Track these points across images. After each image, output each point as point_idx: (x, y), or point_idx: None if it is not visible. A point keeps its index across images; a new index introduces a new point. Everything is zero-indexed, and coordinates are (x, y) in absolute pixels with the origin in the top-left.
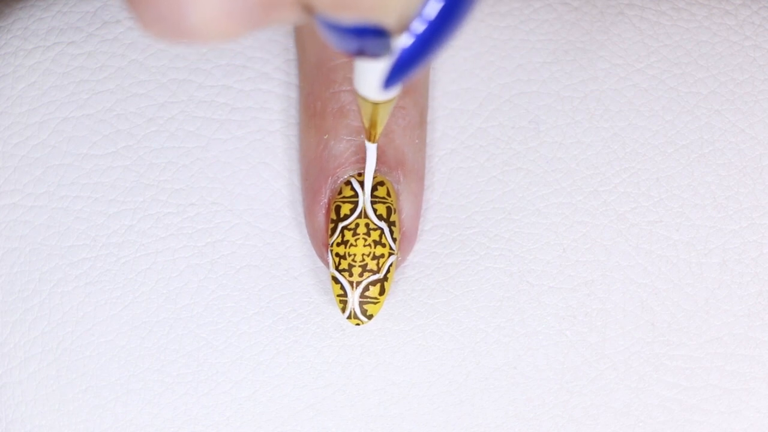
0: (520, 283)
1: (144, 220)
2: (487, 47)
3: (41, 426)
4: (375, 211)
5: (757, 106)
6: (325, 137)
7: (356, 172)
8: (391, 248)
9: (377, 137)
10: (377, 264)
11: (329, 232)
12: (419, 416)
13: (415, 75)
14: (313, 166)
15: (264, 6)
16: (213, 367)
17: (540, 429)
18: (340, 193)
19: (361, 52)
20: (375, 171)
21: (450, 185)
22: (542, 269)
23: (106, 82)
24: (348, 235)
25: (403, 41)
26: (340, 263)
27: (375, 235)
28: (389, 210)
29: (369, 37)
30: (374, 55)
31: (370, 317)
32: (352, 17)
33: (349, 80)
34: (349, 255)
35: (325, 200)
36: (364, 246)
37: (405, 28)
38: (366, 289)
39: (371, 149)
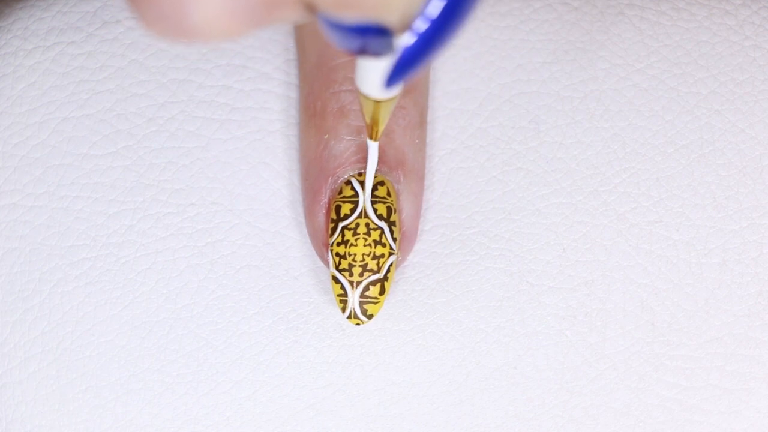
0: (520, 283)
1: (144, 220)
2: (487, 47)
3: (41, 426)
4: (375, 210)
5: (757, 106)
6: (326, 137)
7: (356, 171)
8: (391, 248)
9: (379, 135)
10: (377, 264)
11: (329, 232)
12: (419, 416)
13: (417, 74)
14: (313, 166)
15: (267, 5)
16: (213, 367)
17: (540, 429)
18: (340, 192)
19: (363, 51)
20: (375, 171)
21: (450, 185)
22: (542, 269)
23: (106, 82)
24: (348, 234)
25: (405, 40)
26: (340, 263)
27: (375, 234)
28: (389, 210)
29: (371, 36)
30: (376, 53)
31: (370, 317)
32: (354, 16)
33: (350, 80)
34: (350, 255)
35: (326, 200)
36: (365, 246)
37: (407, 26)
38: (366, 288)
39: (373, 147)
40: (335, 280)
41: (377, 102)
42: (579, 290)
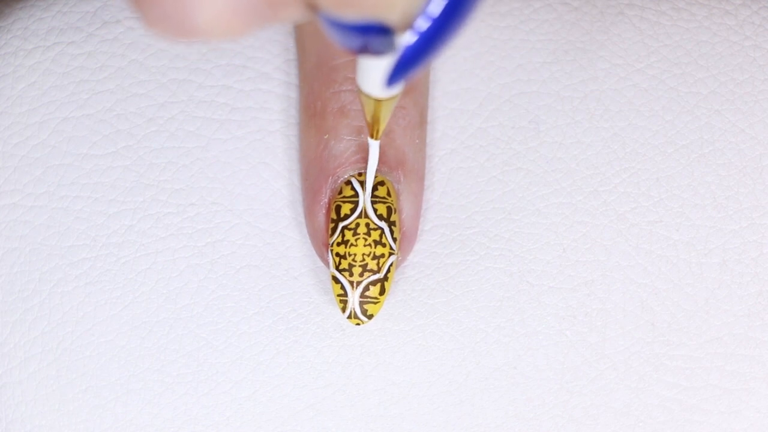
0: (520, 283)
1: (144, 220)
2: (487, 47)
3: (41, 426)
4: (375, 210)
5: (757, 106)
6: (326, 137)
7: (356, 171)
8: (391, 248)
9: (380, 134)
10: (377, 264)
11: (329, 232)
12: (419, 416)
13: (419, 72)
14: (313, 166)
15: (269, 4)
16: (213, 367)
17: (540, 429)
18: (340, 192)
19: (364, 50)
20: (375, 170)
21: (450, 185)
22: (542, 269)
23: (106, 82)
24: (348, 234)
25: (406, 39)
26: (340, 263)
27: (375, 234)
28: (389, 210)
29: (373, 35)
30: (378, 52)
31: (370, 317)
32: (356, 15)
33: (350, 80)
34: (350, 255)
35: (326, 200)
36: (365, 246)
37: (409, 25)
38: (366, 288)
39: (374, 146)
40: (335, 280)
41: (378, 101)
42: (579, 290)
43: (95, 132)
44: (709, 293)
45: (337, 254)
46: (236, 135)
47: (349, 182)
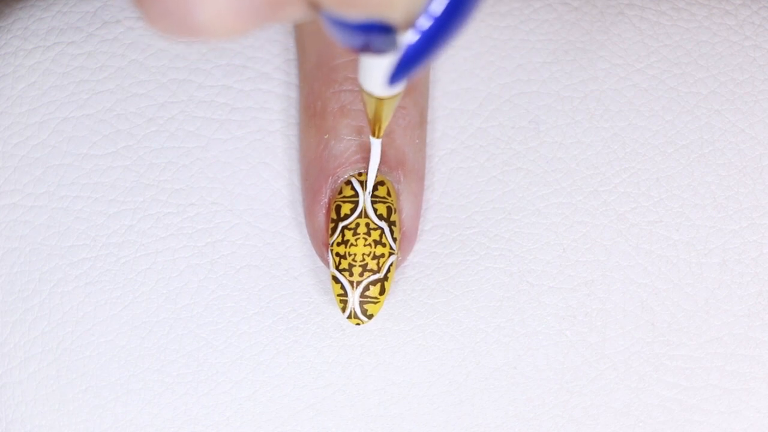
0: (520, 283)
1: (144, 220)
2: (487, 47)
3: (41, 426)
4: (375, 210)
5: (757, 106)
6: (326, 137)
7: (356, 171)
8: (391, 248)
9: (382, 133)
10: (377, 264)
11: (329, 232)
12: (419, 416)
13: (421, 71)
14: (313, 166)
15: (271, 3)
16: (213, 367)
17: (540, 429)
18: (340, 192)
19: (366, 49)
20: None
21: (450, 185)
22: (542, 269)
23: (106, 82)
24: (348, 234)
25: (408, 37)
26: (340, 263)
27: (375, 234)
28: (389, 210)
29: (375, 34)
30: (380, 51)
31: (370, 317)
32: (358, 14)
33: (350, 80)
34: (350, 255)
35: (326, 200)
36: (365, 246)
37: (411, 24)
38: (366, 288)
39: (376, 145)
40: (335, 280)
41: (380, 99)
42: (579, 290)
43: (95, 132)
44: (709, 293)
45: (337, 254)
46: (236, 135)
47: (349, 182)
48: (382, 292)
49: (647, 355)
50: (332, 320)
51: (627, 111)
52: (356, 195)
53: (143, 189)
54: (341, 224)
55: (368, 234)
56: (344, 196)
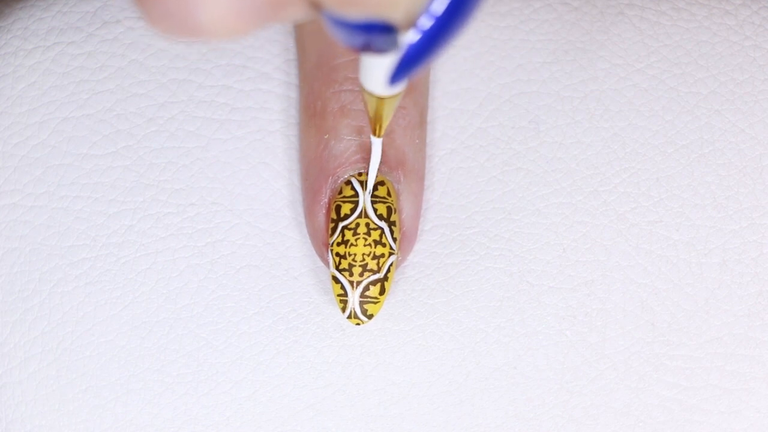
0: (520, 283)
1: (144, 220)
2: (487, 47)
3: (41, 426)
4: (375, 210)
5: (757, 106)
6: (326, 137)
7: (357, 171)
8: (391, 248)
9: (382, 132)
10: (377, 264)
11: (329, 232)
12: (419, 416)
13: (422, 71)
14: (313, 166)
15: (272, 3)
16: (213, 367)
17: (540, 429)
18: (340, 192)
19: (367, 48)
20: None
21: (450, 185)
22: (542, 269)
23: (106, 82)
24: (348, 234)
25: (409, 37)
26: (340, 263)
27: (375, 234)
28: (389, 210)
29: (376, 33)
30: (381, 50)
31: (370, 317)
32: (359, 14)
33: (350, 80)
34: (350, 255)
35: (326, 200)
36: (365, 246)
37: (412, 24)
38: (366, 288)
39: (376, 144)
40: (335, 280)
41: (381, 99)
42: (579, 290)
43: (95, 132)
44: (709, 293)
45: (337, 254)
46: (236, 135)
47: (349, 182)
48: (382, 292)
49: (647, 355)
50: (332, 320)
51: (627, 111)
52: (356, 195)
53: (143, 189)
54: (341, 224)
55: (368, 234)
56: (344, 196)
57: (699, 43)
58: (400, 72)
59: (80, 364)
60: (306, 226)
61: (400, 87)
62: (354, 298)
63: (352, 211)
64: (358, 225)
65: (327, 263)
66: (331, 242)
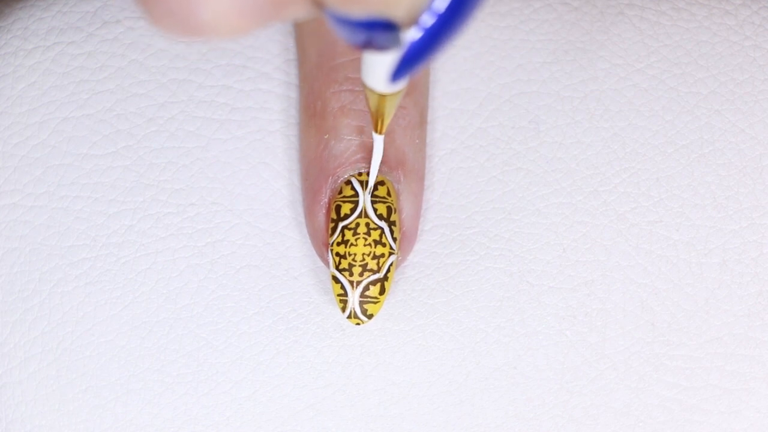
0: (520, 283)
1: (144, 220)
2: (487, 47)
3: (41, 426)
4: (375, 210)
5: (757, 106)
6: (326, 137)
7: (357, 171)
8: (391, 248)
9: (384, 129)
10: (377, 263)
11: (329, 232)
12: (419, 416)
13: (423, 68)
14: (313, 166)
15: (275, 2)
16: (213, 367)
17: (540, 429)
18: (340, 192)
19: (369, 45)
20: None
21: (450, 185)
22: (542, 269)
23: (106, 82)
24: (348, 234)
25: (411, 34)
26: (340, 263)
27: (375, 234)
28: (389, 209)
29: (378, 31)
30: (383, 48)
31: (370, 317)
32: (361, 12)
33: (350, 80)
34: (350, 254)
35: (326, 200)
36: (365, 245)
37: (414, 21)
38: (366, 288)
39: (378, 141)
40: (335, 279)
41: (382, 95)
42: (579, 290)
43: (95, 132)
44: (709, 293)
45: (337, 254)
46: (236, 135)
47: (349, 182)
48: (382, 292)
49: (647, 355)
50: (332, 320)
51: (627, 111)
52: (356, 195)
53: (143, 189)
54: (341, 224)
55: (368, 234)
56: (344, 196)
57: (699, 43)
58: (401, 69)
59: (80, 364)
60: (306, 226)
61: (402, 84)
62: (354, 298)
63: (352, 210)
64: (358, 225)
65: (327, 263)
66: (331, 242)
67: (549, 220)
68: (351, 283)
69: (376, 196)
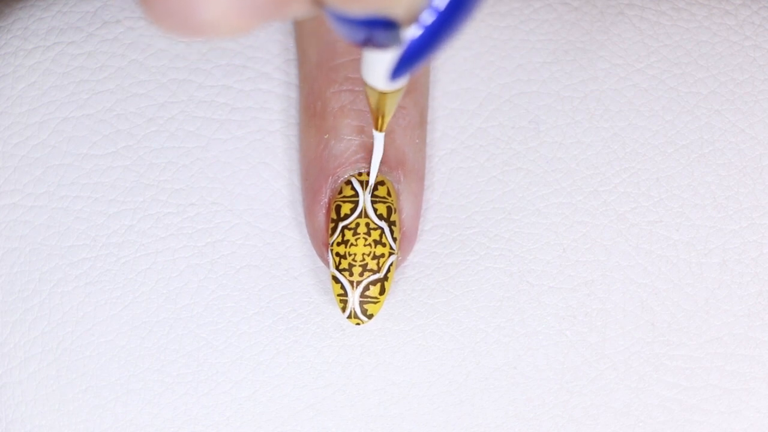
0: (520, 283)
1: (144, 220)
2: (487, 47)
3: (41, 426)
4: (375, 210)
5: (757, 106)
6: (326, 137)
7: (357, 171)
8: (391, 248)
9: (385, 127)
10: (377, 263)
11: (329, 232)
12: (419, 416)
13: (423, 66)
14: (313, 166)
15: (275, 1)
16: (213, 367)
17: (540, 429)
18: (340, 192)
19: (369, 43)
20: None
21: (450, 185)
22: (542, 269)
23: (106, 82)
24: (348, 234)
25: (411, 32)
26: (340, 263)
27: (375, 234)
28: (389, 209)
29: (378, 29)
30: (383, 45)
31: (370, 317)
32: (361, 10)
33: (350, 80)
34: (350, 254)
35: (326, 200)
36: (365, 245)
37: (414, 19)
38: (366, 288)
39: (379, 139)
40: (335, 279)
41: (383, 93)
42: (579, 290)
43: (95, 132)
44: (709, 293)
45: (337, 254)
46: (236, 135)
47: (349, 182)
48: (382, 292)
49: (647, 355)
50: (332, 320)
51: (627, 111)
52: (356, 195)
53: (143, 189)
54: (341, 224)
55: (368, 234)
56: (344, 196)
57: (699, 43)
58: (401, 67)
59: (80, 364)
60: (306, 226)
61: (402, 82)
62: (354, 298)
63: (352, 210)
64: (358, 225)
65: (327, 263)
66: (331, 242)
67: (549, 220)
68: (351, 283)
69: (376, 196)
